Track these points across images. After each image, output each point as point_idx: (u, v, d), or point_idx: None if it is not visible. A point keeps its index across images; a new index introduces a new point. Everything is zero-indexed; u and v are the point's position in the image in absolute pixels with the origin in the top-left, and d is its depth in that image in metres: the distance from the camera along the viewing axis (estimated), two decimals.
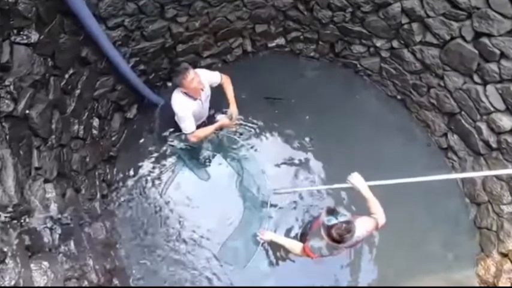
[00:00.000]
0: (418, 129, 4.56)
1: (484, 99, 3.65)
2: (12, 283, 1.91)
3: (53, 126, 2.83)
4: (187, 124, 3.43)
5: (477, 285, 3.90)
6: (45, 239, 2.43)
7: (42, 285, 2.14)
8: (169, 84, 4.39)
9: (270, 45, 4.73)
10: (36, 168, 2.57)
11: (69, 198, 2.98)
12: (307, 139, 4.38)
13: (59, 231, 2.58)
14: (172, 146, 4.14)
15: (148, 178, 4.11)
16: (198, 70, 3.38)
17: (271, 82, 4.59)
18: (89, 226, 3.20)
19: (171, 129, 4.04)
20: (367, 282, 3.86)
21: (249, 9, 4.16)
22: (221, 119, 3.78)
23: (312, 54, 4.81)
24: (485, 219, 3.96)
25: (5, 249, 1.96)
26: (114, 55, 3.35)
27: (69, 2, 2.69)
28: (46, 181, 2.66)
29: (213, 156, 4.23)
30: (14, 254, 2.00)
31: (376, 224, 2.91)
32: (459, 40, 3.62)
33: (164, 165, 4.19)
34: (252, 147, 4.25)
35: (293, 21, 4.45)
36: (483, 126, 3.78)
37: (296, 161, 4.29)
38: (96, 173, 3.67)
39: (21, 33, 2.40)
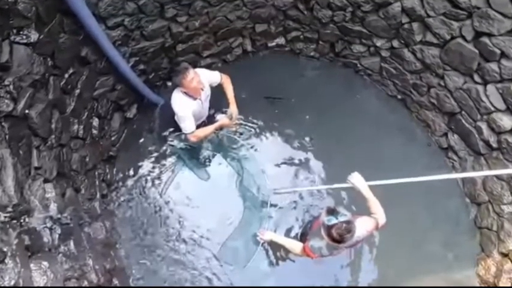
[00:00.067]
0: (418, 129, 4.56)
1: (484, 98, 3.65)
2: (12, 283, 1.91)
3: (53, 126, 2.83)
4: (187, 124, 3.42)
5: (477, 285, 3.89)
6: (45, 239, 2.42)
7: (42, 285, 2.14)
8: (169, 83, 4.39)
9: (270, 44, 4.72)
10: (36, 168, 2.57)
11: (68, 198, 2.97)
12: (307, 139, 4.37)
13: (59, 231, 2.58)
14: (172, 145, 4.14)
15: (148, 178, 4.11)
16: (197, 70, 3.38)
17: (271, 82, 4.58)
18: (89, 226, 3.20)
19: (171, 129, 4.04)
20: (367, 282, 3.86)
21: (249, 9, 4.15)
22: (221, 118, 3.78)
23: (312, 53, 4.80)
24: (485, 219, 3.96)
25: (5, 249, 1.96)
26: (114, 55, 3.35)
27: (68, 1, 2.68)
28: (46, 181, 2.66)
29: (213, 156, 4.23)
30: (13, 253, 2.00)
31: (377, 224, 2.91)
32: (459, 40, 3.62)
33: (164, 165, 4.18)
34: (252, 147, 4.24)
35: (293, 21, 4.45)
36: (483, 126, 3.78)
37: (296, 161, 4.28)
38: (96, 173, 3.67)
39: (21, 32, 2.39)
